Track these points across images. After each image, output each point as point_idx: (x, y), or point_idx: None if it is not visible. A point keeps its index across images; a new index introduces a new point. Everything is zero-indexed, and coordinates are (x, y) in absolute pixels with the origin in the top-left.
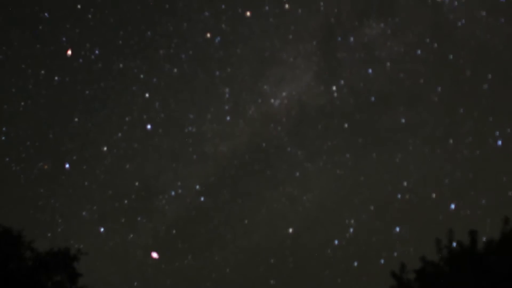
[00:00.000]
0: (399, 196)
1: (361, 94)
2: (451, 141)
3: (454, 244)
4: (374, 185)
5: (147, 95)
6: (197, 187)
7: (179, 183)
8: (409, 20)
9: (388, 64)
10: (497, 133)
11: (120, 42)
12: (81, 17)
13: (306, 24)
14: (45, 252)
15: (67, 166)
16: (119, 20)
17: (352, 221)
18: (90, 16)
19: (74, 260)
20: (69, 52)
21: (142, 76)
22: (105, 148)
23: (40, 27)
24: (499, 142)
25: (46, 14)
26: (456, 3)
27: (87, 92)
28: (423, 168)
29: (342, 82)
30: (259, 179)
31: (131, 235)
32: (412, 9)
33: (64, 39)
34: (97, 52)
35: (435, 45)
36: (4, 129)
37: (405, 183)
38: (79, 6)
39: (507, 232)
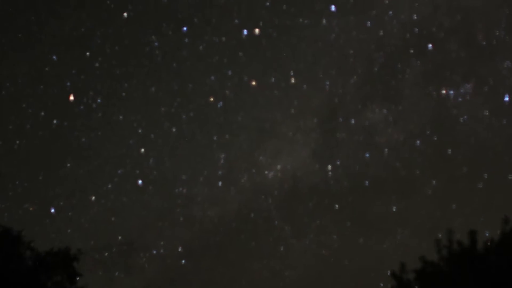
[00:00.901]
0: (381, 284)
1: (356, 177)
2: (440, 235)
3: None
4: (357, 270)
5: (142, 150)
6: (180, 249)
7: (162, 243)
8: (412, 110)
9: (386, 150)
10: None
11: (124, 94)
12: (89, 64)
13: (310, 101)
14: (45, 252)
15: (52, 210)
16: (126, 72)
17: None
18: (97, 64)
19: (74, 260)
20: (72, 98)
21: (140, 130)
22: (93, 198)
23: (47, 69)
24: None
25: (54, 57)
26: (460, 99)
27: (83, 139)
28: (409, 259)
29: (338, 162)
30: (243, 249)
31: None
32: (416, 99)
33: (68, 83)
34: (99, 101)
35: (435, 138)
36: None
37: (388, 272)
38: (88, 54)
39: (507, 232)
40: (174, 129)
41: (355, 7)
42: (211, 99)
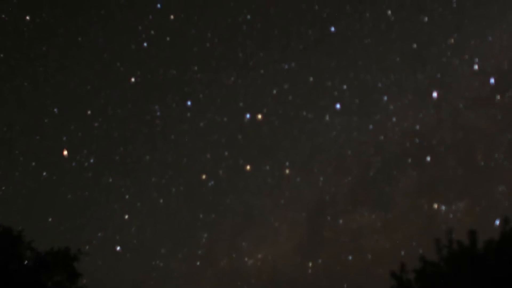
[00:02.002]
0: None
1: (335, 278)
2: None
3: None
4: None
5: (126, 216)
6: None
7: None
8: (401, 220)
9: (370, 256)
10: None
11: (117, 158)
12: (88, 123)
13: (301, 194)
14: (45, 252)
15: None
16: (123, 136)
17: None
18: (96, 124)
19: (74, 260)
20: (65, 153)
21: (127, 196)
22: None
23: (46, 120)
24: None
25: (55, 110)
26: (451, 215)
27: (69, 196)
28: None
29: (320, 260)
30: None
31: None
32: (407, 209)
33: (64, 138)
34: (91, 160)
35: (420, 251)
36: None
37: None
38: (89, 112)
39: (506, 232)
40: (161, 201)
41: (360, 109)
42: (203, 176)
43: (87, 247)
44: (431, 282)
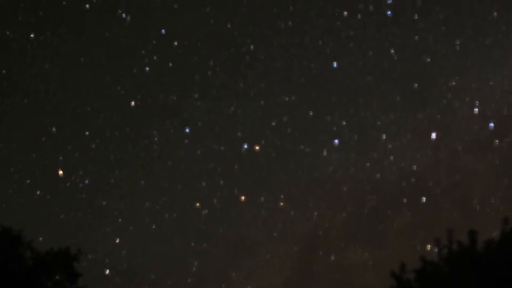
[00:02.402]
0: None
1: None
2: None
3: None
4: None
5: (117, 240)
6: None
7: None
8: (394, 259)
9: None
10: None
11: (112, 180)
12: (85, 144)
13: (294, 228)
14: (45, 252)
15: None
16: (119, 159)
17: None
18: (93, 146)
19: (74, 260)
20: (61, 172)
21: (120, 220)
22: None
23: (43, 139)
24: None
25: (53, 129)
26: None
27: (62, 216)
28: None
29: None
30: None
31: None
32: (399, 249)
33: (61, 158)
34: (86, 182)
35: None
36: None
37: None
38: (87, 133)
39: (506, 232)
40: (153, 226)
41: (358, 146)
42: (197, 204)
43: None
44: (431, 282)
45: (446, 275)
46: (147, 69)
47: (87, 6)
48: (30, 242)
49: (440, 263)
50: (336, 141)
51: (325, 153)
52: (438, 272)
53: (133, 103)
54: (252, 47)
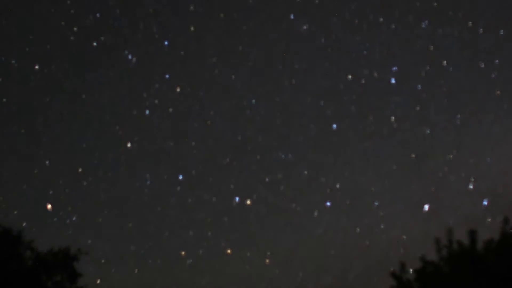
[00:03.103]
0: None
1: None
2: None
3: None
4: None
5: (98, 281)
6: None
7: None
8: None
9: None
10: None
11: (100, 220)
12: (77, 181)
13: (278, 287)
14: (45, 252)
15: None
16: (109, 199)
17: None
18: (85, 183)
19: (74, 260)
20: (49, 207)
21: (103, 261)
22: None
23: (36, 171)
24: None
25: (47, 162)
26: None
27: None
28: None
29: None
30: None
31: None
32: None
33: (51, 192)
34: (74, 219)
35: None
36: None
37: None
38: (80, 170)
39: (507, 232)
40: (136, 271)
41: (349, 210)
42: (183, 253)
43: None
44: (431, 282)
45: (446, 275)
46: (147, 112)
47: (95, 43)
48: (30, 242)
49: (440, 263)
50: (328, 203)
51: (316, 214)
52: (438, 272)
53: (129, 145)
54: (253, 101)
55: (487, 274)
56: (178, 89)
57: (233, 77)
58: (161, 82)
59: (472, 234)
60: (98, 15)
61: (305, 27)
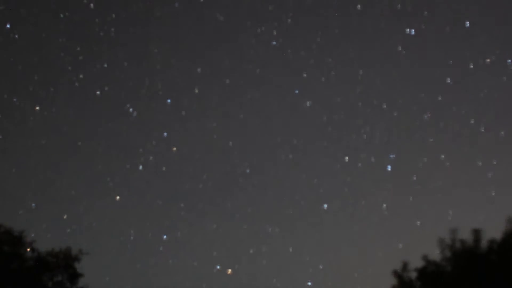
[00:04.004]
0: None
1: None
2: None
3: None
4: None
5: None
6: None
7: None
8: None
9: None
10: None
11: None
12: (61, 227)
13: None
14: (46, 252)
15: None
16: (90, 251)
17: None
18: (68, 231)
19: (75, 260)
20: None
21: None
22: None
23: (20, 212)
24: None
25: (33, 205)
26: None
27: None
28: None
29: None
30: None
31: None
32: None
33: (33, 235)
34: None
35: None
36: None
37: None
38: (65, 217)
39: (510, 231)
40: None
41: None
42: None
43: None
44: (432, 281)
45: (448, 274)
46: (141, 167)
47: (98, 92)
48: (31, 242)
49: (442, 262)
50: (310, 283)
51: None
52: (439, 271)
53: (118, 197)
54: (248, 170)
55: (490, 273)
56: (174, 149)
57: (230, 144)
58: (158, 139)
59: (476, 233)
60: (105, 64)
61: (308, 103)
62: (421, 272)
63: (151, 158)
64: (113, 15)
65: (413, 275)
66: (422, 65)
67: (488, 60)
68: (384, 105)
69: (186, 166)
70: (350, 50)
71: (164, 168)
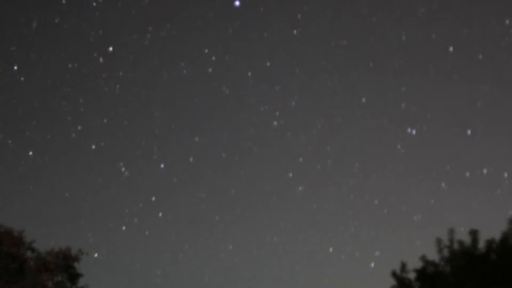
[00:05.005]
0: None
1: None
2: None
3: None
4: None
5: None
6: None
7: None
8: None
9: None
10: None
11: None
12: None
13: None
14: (46, 252)
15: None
16: None
17: None
18: None
19: (75, 260)
20: None
21: None
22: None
23: None
24: None
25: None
26: None
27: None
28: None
29: None
30: None
31: None
32: None
33: None
34: None
35: None
36: None
37: None
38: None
39: (507, 231)
40: None
41: None
42: None
43: None
44: (431, 282)
45: (447, 275)
46: (124, 228)
47: (94, 146)
48: (31, 242)
49: (441, 263)
50: None
51: None
52: (438, 271)
53: (96, 255)
54: (230, 247)
55: (488, 274)
56: (160, 214)
57: (217, 218)
58: (146, 202)
59: (474, 233)
60: (105, 120)
61: (300, 188)
62: (420, 272)
63: (135, 220)
64: (121, 73)
65: (412, 275)
66: (419, 166)
67: (484, 171)
68: (376, 201)
69: (169, 233)
70: (350, 141)
71: (147, 232)
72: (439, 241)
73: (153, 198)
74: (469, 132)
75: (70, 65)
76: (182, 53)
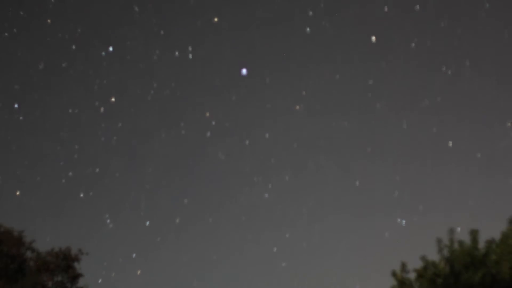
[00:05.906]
0: None
1: None
2: None
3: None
4: None
5: None
6: None
7: None
8: None
9: None
10: None
11: None
12: None
13: None
14: (45, 253)
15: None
16: None
17: None
18: None
19: (75, 260)
20: None
21: None
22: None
23: None
24: None
25: None
26: None
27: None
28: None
29: None
30: None
31: None
32: None
33: None
34: None
35: None
36: None
37: None
38: None
39: (508, 232)
40: None
41: None
42: None
43: None
44: (431, 282)
45: (447, 275)
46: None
47: (82, 195)
48: (31, 242)
49: (441, 263)
50: None
51: None
52: (438, 272)
53: None
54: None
55: (488, 274)
56: (139, 272)
57: (194, 284)
58: (126, 258)
59: (474, 233)
60: (97, 169)
61: (284, 264)
62: (420, 272)
63: (113, 274)
64: (120, 124)
65: (412, 275)
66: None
67: None
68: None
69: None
70: (339, 221)
71: (138, 272)
72: (439, 241)
73: (134, 255)
74: None
75: (70, 110)
76: (183, 113)
